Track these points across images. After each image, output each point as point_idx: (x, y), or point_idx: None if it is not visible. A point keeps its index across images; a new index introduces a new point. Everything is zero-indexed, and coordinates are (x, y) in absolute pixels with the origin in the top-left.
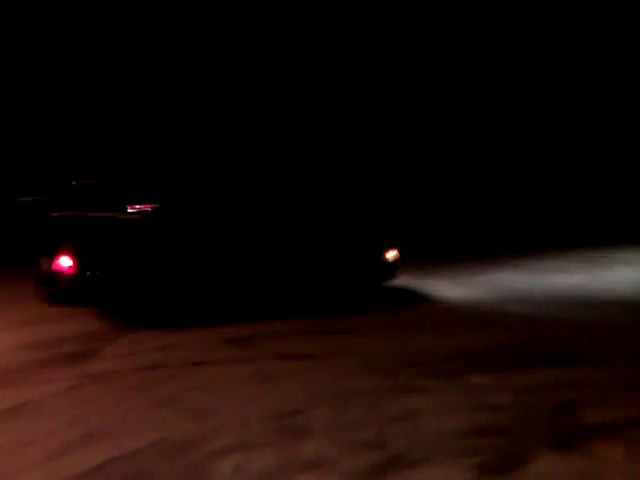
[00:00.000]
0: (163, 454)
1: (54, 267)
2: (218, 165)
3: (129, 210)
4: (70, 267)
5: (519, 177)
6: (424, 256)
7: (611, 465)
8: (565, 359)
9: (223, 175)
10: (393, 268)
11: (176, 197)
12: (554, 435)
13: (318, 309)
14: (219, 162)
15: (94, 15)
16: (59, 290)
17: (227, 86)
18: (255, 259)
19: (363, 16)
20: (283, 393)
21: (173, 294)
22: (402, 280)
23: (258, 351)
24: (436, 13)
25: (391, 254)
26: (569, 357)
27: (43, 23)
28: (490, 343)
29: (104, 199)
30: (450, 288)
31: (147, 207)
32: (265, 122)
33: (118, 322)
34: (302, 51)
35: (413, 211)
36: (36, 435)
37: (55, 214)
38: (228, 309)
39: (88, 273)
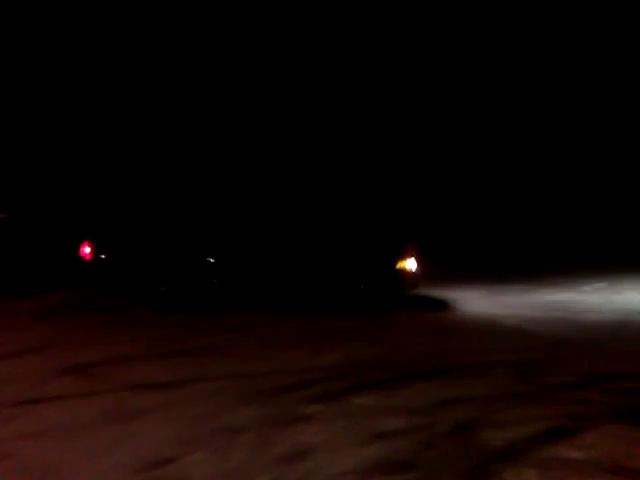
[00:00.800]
0: None
1: (80, 254)
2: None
3: None
4: (88, 254)
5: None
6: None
7: None
8: (453, 370)
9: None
10: (409, 278)
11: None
12: (464, 465)
13: (170, 324)
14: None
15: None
16: (82, 272)
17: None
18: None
19: (382, 18)
20: (146, 436)
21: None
22: None
23: (106, 382)
24: (451, 17)
25: (406, 263)
26: (456, 368)
27: None
28: (369, 357)
29: None
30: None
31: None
32: (273, 129)
33: None
34: (319, 50)
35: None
36: None
37: None
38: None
39: (101, 258)
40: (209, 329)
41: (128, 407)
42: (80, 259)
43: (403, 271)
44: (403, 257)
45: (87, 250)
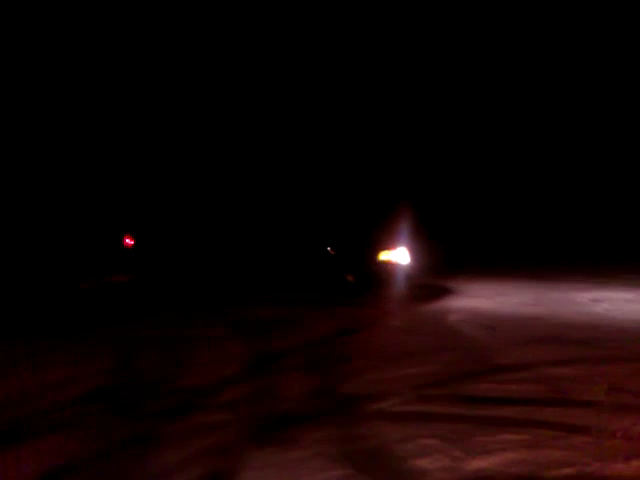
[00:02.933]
0: None
1: (123, 244)
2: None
3: None
4: (130, 244)
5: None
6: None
7: None
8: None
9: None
10: (391, 270)
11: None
12: None
13: None
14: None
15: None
16: (125, 258)
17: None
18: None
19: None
20: None
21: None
22: None
23: None
24: (453, 16)
25: (392, 255)
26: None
27: None
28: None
29: None
30: None
31: None
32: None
33: None
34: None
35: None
36: None
37: None
38: None
39: (139, 247)
40: None
41: None
42: (123, 248)
43: (386, 263)
44: (388, 248)
45: (129, 241)
